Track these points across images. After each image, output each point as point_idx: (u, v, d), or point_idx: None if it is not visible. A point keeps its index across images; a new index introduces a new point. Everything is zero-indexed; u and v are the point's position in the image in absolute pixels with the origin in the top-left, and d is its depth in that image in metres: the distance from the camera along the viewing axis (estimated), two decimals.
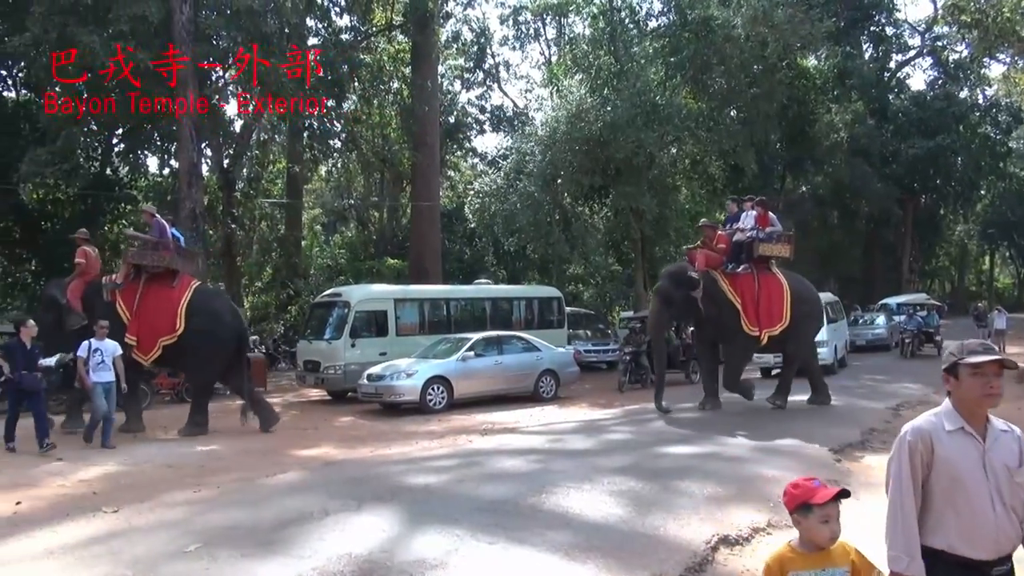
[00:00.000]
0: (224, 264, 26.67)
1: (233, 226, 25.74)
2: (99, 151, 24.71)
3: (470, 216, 25.97)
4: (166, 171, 26.22)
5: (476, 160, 40.45)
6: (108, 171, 24.96)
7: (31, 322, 10.03)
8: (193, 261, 13.54)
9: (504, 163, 25.81)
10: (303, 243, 34.33)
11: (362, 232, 36.99)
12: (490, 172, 28.73)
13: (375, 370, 14.53)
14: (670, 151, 24.15)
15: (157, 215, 12.82)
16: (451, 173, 39.16)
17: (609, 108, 20.63)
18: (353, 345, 16.14)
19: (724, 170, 25.98)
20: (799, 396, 13.20)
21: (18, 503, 7.18)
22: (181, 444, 10.75)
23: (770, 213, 13.50)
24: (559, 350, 16.42)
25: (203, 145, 21.51)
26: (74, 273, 12.25)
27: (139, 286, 12.06)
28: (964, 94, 38.31)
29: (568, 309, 20.81)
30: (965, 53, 35.00)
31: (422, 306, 18.11)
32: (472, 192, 26.10)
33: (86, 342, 10.30)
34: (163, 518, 6.37)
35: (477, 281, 22.66)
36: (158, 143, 23.59)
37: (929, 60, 40.15)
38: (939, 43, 37.93)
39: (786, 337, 12.85)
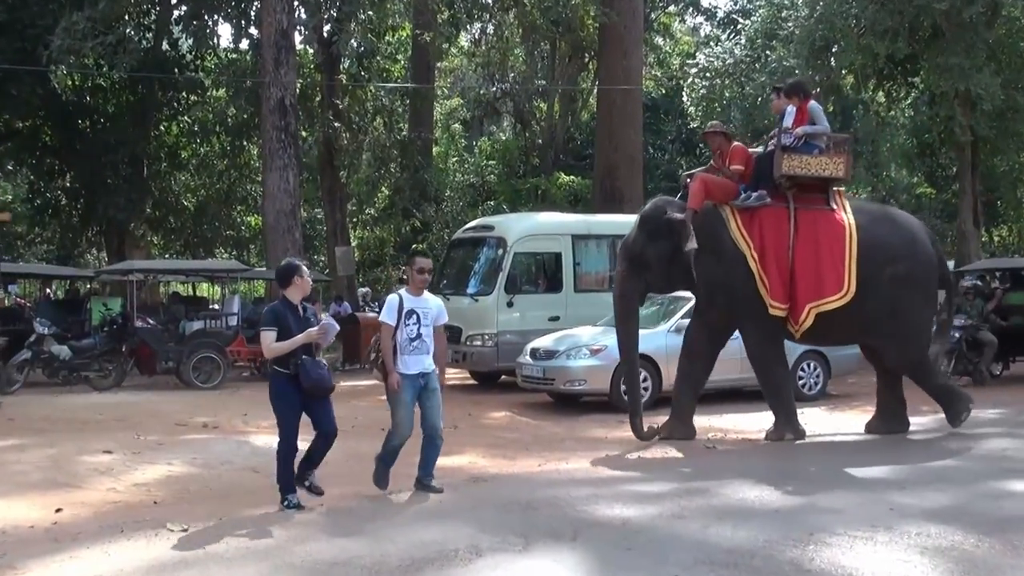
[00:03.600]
0: (324, 180, 27.86)
1: (336, 124, 26.71)
2: (153, 17, 26.44)
3: (690, 108, 25.52)
4: (244, 44, 27.69)
5: (700, 19, 39.73)
6: (165, 46, 26.67)
7: (304, 269, 8.14)
8: None
9: (746, 24, 25.16)
10: (435, 150, 35.23)
11: (522, 134, 37.48)
12: (723, 38, 28.07)
13: (543, 343, 14.77)
14: None
15: None
16: (659, 40, 38.68)
17: None
18: (510, 304, 16.47)
19: None
20: None
21: (58, 510, 7.92)
22: (265, 439, 11.37)
23: (811, 103, 11.63)
24: None
25: (295, 4, 22.36)
26: None
27: None
28: None
29: None
30: None
31: (613, 247, 18.09)
32: (694, 70, 25.62)
33: (393, 296, 8.49)
34: (248, 545, 6.80)
35: None
36: (233, 2, 24.82)
37: None
38: None
39: (852, 318, 11.05)
